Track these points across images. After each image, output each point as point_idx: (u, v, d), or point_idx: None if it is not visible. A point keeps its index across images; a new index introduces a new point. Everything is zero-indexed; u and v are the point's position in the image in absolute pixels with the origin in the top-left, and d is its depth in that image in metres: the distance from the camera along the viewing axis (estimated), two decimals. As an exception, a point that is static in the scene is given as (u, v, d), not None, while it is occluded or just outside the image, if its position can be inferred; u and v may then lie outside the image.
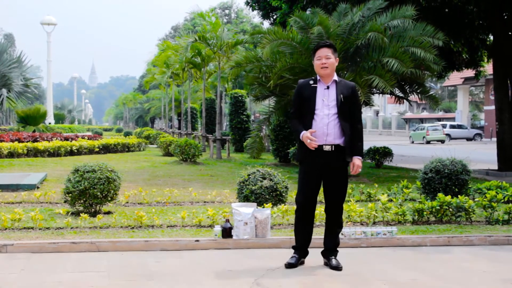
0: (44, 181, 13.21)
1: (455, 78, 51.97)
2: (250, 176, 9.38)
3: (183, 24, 70.12)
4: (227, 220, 7.27)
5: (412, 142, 46.87)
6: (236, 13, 65.91)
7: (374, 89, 15.34)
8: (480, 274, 6.09)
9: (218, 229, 7.25)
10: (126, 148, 26.27)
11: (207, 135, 26.89)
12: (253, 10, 26.56)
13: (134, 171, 16.57)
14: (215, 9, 62.20)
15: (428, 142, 45.12)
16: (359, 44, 14.62)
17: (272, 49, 15.09)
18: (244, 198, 9.17)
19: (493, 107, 22.88)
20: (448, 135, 48.04)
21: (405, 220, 8.45)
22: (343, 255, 6.70)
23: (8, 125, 58.87)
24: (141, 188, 11.03)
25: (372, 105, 17.31)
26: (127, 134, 48.75)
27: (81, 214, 8.08)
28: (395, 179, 14.84)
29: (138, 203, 10.06)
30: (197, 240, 7.12)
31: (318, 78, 6.18)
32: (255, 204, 7.54)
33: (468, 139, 49.32)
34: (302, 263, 6.33)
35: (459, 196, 8.84)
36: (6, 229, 7.65)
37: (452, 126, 50.59)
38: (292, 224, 7.51)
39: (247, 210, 7.19)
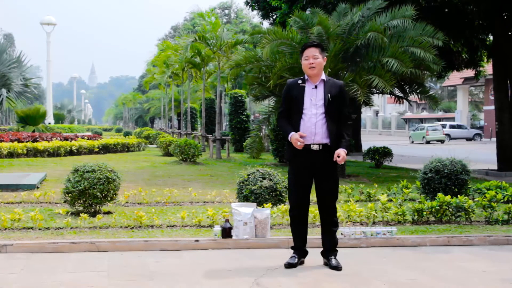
0: (43, 181, 13.21)
1: (454, 78, 51.99)
2: (250, 176, 9.38)
3: (182, 24, 70.17)
4: (227, 220, 7.27)
5: (412, 142, 46.88)
6: (236, 13, 65.95)
7: (374, 89, 15.35)
8: (480, 274, 6.09)
9: (217, 229, 7.25)
10: (125, 148, 26.27)
11: (207, 135, 26.89)
12: (252, 10, 26.60)
13: (134, 171, 16.57)
14: (215, 9, 62.21)
15: (427, 142, 45.14)
16: (358, 44, 14.62)
17: (271, 49, 15.09)
18: (244, 198, 9.18)
19: (492, 107, 22.88)
20: (447, 135, 48.05)
21: (405, 220, 8.45)
22: (342, 255, 6.70)
23: (7, 125, 58.90)
24: (141, 188, 11.03)
25: (372, 105, 17.31)
26: (127, 134, 48.75)
27: (80, 214, 8.07)
28: (395, 179, 14.85)
29: (138, 203, 10.06)
30: (197, 240, 7.12)
31: (306, 77, 6.22)
32: (255, 204, 7.54)
33: (468, 139, 49.35)
34: (302, 263, 6.34)
35: (458, 196, 8.84)
36: (5, 229, 7.65)
37: (452, 126, 50.62)
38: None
39: (246, 210, 7.19)
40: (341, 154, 6.07)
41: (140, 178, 14.46)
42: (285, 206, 8.25)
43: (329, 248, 6.30)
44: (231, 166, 18.90)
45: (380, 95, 17.02)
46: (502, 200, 9.15)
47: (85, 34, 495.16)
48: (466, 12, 19.70)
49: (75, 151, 22.83)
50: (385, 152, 19.64)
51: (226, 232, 7.17)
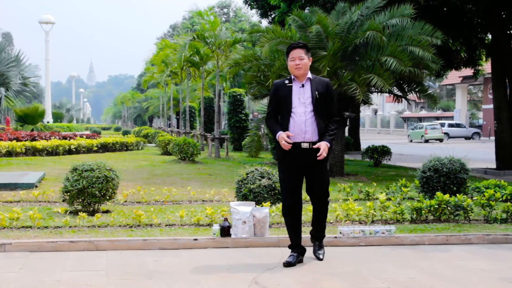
0: (42, 180, 13.20)
1: (453, 77, 52.00)
2: (249, 175, 9.38)
3: (181, 23, 70.12)
4: (226, 219, 7.27)
5: (411, 141, 46.91)
6: (235, 12, 65.92)
7: (373, 88, 15.35)
8: (479, 273, 6.10)
9: (216, 228, 7.25)
10: (124, 147, 26.26)
11: (206, 134, 26.89)
12: (251, 9, 26.60)
13: (133, 170, 16.57)
14: (214, 8, 62.11)
15: (426, 141, 45.18)
16: (357, 43, 14.62)
17: (270, 47, 15.09)
18: (243, 197, 9.17)
19: (491, 106, 22.92)
20: (446, 133, 48.08)
21: (404, 219, 8.45)
22: (341, 254, 6.73)
23: (6, 124, 58.79)
24: (140, 187, 11.03)
25: (371, 104, 17.31)
26: (126, 133, 48.69)
27: (79, 213, 8.07)
28: (394, 178, 14.85)
29: (137, 202, 10.05)
30: (196, 239, 7.12)
31: (293, 77, 6.32)
32: (254, 203, 7.55)
33: (467, 138, 49.40)
34: (301, 261, 6.36)
35: (457, 194, 8.85)
36: (4, 228, 7.65)
37: (451, 125, 50.66)
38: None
39: (245, 209, 7.19)
40: (321, 146, 6.13)
41: (139, 177, 14.46)
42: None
43: (316, 238, 6.58)
44: (230, 165, 18.90)
45: (379, 94, 17.01)
46: (500, 199, 9.14)
47: (84, 33, 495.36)
48: (465, 11, 19.70)
49: (74, 150, 22.82)
50: (384, 151, 19.64)
51: (225, 231, 7.17)
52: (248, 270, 6.06)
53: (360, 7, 15.21)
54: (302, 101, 6.20)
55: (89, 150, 23.62)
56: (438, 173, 10.26)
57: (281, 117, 6.31)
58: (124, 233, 7.48)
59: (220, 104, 30.91)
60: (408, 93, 16.67)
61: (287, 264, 6.22)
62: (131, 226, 7.88)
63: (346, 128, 26.33)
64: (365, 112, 71.21)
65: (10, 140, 22.85)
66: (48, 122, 44.74)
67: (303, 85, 6.26)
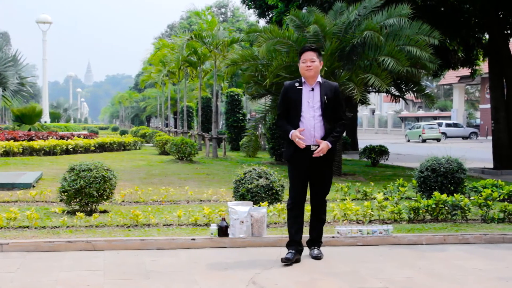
0: (39, 180, 13.18)
1: (451, 76, 52.05)
2: (246, 174, 9.38)
3: (179, 22, 70.04)
4: (223, 219, 7.27)
5: (408, 141, 46.96)
6: (232, 12, 65.91)
7: (370, 88, 15.35)
8: (476, 272, 6.10)
9: (214, 227, 7.24)
10: (122, 147, 26.25)
11: (203, 133, 26.87)
12: (249, 9, 26.56)
13: (130, 170, 16.55)
14: (211, 7, 62.14)
15: (424, 141, 45.22)
16: (355, 43, 14.62)
17: (268, 47, 15.08)
18: (240, 196, 9.17)
19: (488, 106, 22.93)
20: (444, 133, 48.14)
21: (401, 219, 8.46)
22: (339, 254, 6.73)
23: (3, 123, 58.76)
24: (137, 187, 11.02)
25: (368, 104, 17.31)
26: (123, 132, 48.68)
27: (76, 213, 8.06)
28: (391, 177, 14.86)
29: (134, 202, 10.05)
30: (193, 239, 7.12)
31: (303, 80, 6.45)
32: (251, 202, 7.54)
33: (464, 138, 49.46)
34: (298, 260, 6.38)
35: (454, 194, 8.85)
36: (1, 228, 7.63)
37: (448, 125, 50.71)
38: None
39: (243, 208, 7.19)
40: (321, 143, 6.29)
41: (136, 177, 14.45)
42: (282, 205, 8.26)
43: (315, 237, 6.63)
44: (228, 164, 18.89)
45: (377, 93, 17.02)
46: (498, 199, 9.16)
47: (81, 33, 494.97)
48: (462, 11, 19.70)
49: (71, 150, 22.80)
50: (381, 151, 19.66)
51: (223, 231, 7.17)
52: (245, 270, 6.06)
53: (357, 7, 15.22)
54: (311, 105, 6.35)
55: (86, 150, 23.61)
56: (436, 172, 10.27)
57: (290, 121, 6.40)
58: (121, 233, 7.47)
59: (217, 104, 30.93)
60: (405, 93, 16.68)
61: (286, 260, 6.26)
62: (129, 226, 7.87)
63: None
64: (362, 112, 71.27)
65: (8, 140, 22.81)
66: (45, 122, 44.70)
67: (312, 89, 6.39)
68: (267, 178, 9.29)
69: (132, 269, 6.12)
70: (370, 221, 8.31)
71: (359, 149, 23.24)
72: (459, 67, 23.57)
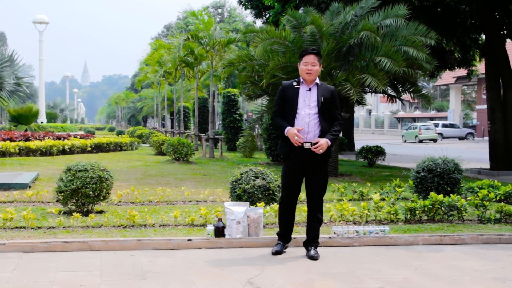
0: (36, 180, 13.16)
1: (447, 77, 52.14)
2: (243, 175, 9.38)
3: (175, 23, 70.02)
4: (220, 219, 7.27)
5: (405, 141, 47.00)
6: (229, 12, 65.88)
7: (367, 88, 15.35)
8: (472, 273, 6.11)
9: (210, 228, 7.24)
10: (118, 147, 26.21)
11: (200, 134, 26.86)
12: (246, 9, 26.61)
13: (127, 170, 16.54)
14: (208, 8, 62.11)
15: (420, 141, 45.27)
16: (351, 43, 14.63)
17: (264, 48, 15.08)
18: (237, 197, 9.17)
19: (485, 106, 22.99)
20: (440, 134, 48.21)
21: (398, 219, 8.47)
22: (335, 254, 6.73)
23: (0, 124, 58.64)
24: (134, 187, 11.01)
25: (365, 104, 17.32)
26: (120, 133, 48.60)
27: (73, 213, 8.05)
28: (388, 178, 14.87)
29: (131, 202, 10.03)
30: (190, 239, 7.11)
31: (301, 80, 6.61)
32: (248, 203, 7.55)
33: (460, 138, 49.53)
34: (286, 248, 6.83)
35: (451, 195, 8.87)
36: (-3, 228, 7.62)
37: (445, 125, 50.79)
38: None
39: (239, 209, 7.19)
40: (320, 141, 6.42)
41: (133, 177, 14.43)
42: (278, 205, 8.25)
43: (312, 238, 6.69)
44: (224, 165, 18.89)
45: (373, 94, 17.03)
46: (494, 199, 9.17)
47: (78, 33, 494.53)
48: (458, 12, 19.74)
49: (68, 150, 22.76)
50: (378, 151, 19.67)
51: (219, 231, 7.17)
52: (242, 270, 6.06)
53: (354, 7, 15.23)
54: (307, 103, 6.52)
55: (83, 150, 23.56)
56: (432, 173, 10.28)
57: (285, 117, 6.55)
58: (118, 234, 7.46)
59: (214, 104, 30.89)
60: (402, 94, 16.69)
61: (276, 253, 6.65)
62: (125, 227, 7.87)
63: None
64: (359, 113, 71.30)
65: (4, 140, 22.77)
66: (42, 122, 44.57)
67: (310, 89, 6.57)
68: (263, 179, 9.29)
69: (128, 269, 6.11)
70: (367, 222, 8.31)
71: (356, 150, 23.25)
72: (456, 67, 23.63)
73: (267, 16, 24.27)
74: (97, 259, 6.50)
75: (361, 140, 38.55)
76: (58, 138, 24.99)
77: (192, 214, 8.31)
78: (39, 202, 10.00)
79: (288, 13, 15.77)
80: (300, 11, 17.14)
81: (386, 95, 16.91)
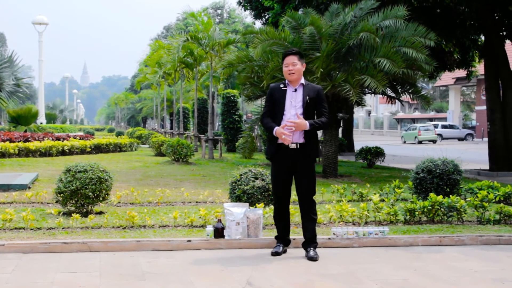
0: (35, 181, 13.15)
1: (446, 78, 52.14)
2: (242, 176, 9.37)
3: (175, 24, 70.01)
4: (219, 220, 7.27)
5: (404, 142, 46.99)
6: (228, 13, 65.86)
7: (366, 89, 15.37)
8: (472, 274, 6.11)
9: (210, 229, 7.24)
10: (118, 148, 26.19)
11: (199, 135, 26.86)
12: (245, 10, 26.61)
13: (126, 171, 16.53)
14: (207, 9, 62.17)
15: (420, 142, 45.27)
16: (351, 44, 14.64)
17: (264, 49, 15.09)
18: (236, 198, 9.17)
19: (484, 107, 23.01)
20: (439, 135, 48.21)
21: (397, 220, 8.47)
22: (335, 255, 6.73)
23: (-1, 124, 58.61)
24: (133, 188, 11.01)
25: (364, 105, 17.34)
26: (119, 134, 48.60)
27: (72, 214, 8.05)
28: (387, 179, 14.87)
29: (130, 203, 10.03)
30: (189, 240, 7.11)
31: (287, 82, 6.78)
32: (247, 204, 7.54)
33: (460, 139, 49.53)
34: (285, 251, 6.84)
35: (450, 196, 8.87)
36: (-3, 229, 7.62)
37: (444, 126, 50.79)
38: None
39: (239, 210, 7.20)
40: (296, 119, 6.52)
41: (132, 178, 14.43)
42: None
43: (309, 238, 6.72)
44: (224, 166, 18.88)
45: (373, 95, 17.05)
46: (493, 200, 9.17)
47: (78, 34, 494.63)
48: (458, 13, 19.76)
49: (67, 151, 22.74)
50: (377, 152, 19.68)
51: (219, 232, 7.17)
52: (241, 271, 6.06)
53: (353, 8, 15.24)
54: (293, 104, 6.67)
55: (82, 151, 23.55)
56: (432, 174, 10.28)
57: (273, 119, 6.71)
58: (117, 234, 7.46)
59: (213, 105, 30.92)
60: (401, 95, 16.69)
61: (275, 254, 6.71)
62: (125, 228, 7.87)
63: (340, 129, 26.35)
64: (358, 113, 71.33)
65: (3, 141, 22.75)
66: (41, 123, 44.53)
67: (295, 90, 6.73)
68: (263, 180, 9.29)
69: (128, 270, 6.11)
70: (366, 223, 8.31)
71: (355, 151, 23.28)
72: (455, 68, 23.64)
73: (266, 17, 24.29)
74: (97, 260, 6.50)
75: (360, 141, 38.56)
76: (58, 139, 24.96)
77: (192, 215, 8.32)
78: (38, 203, 9.99)
79: (288, 14, 15.78)
80: (300, 12, 17.13)
81: (385, 96, 16.91)
